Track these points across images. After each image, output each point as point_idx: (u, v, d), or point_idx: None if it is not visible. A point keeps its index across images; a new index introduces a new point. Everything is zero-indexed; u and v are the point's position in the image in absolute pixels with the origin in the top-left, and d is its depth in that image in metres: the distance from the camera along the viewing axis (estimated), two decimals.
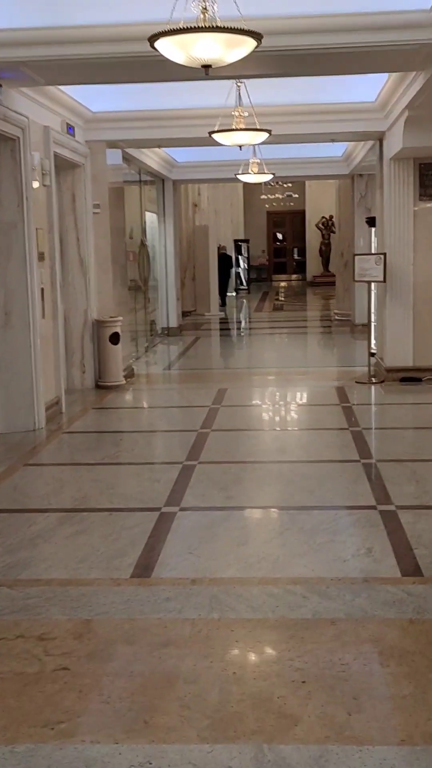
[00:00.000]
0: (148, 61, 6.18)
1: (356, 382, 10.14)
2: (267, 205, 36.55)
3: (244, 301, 26.86)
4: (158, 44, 4.74)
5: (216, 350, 14.89)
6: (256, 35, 4.69)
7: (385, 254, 9.95)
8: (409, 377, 10.07)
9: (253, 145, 13.46)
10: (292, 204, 36.28)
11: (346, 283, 18.68)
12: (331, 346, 14.63)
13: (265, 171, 13.45)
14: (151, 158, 13.70)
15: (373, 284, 10.64)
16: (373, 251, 11.46)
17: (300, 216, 35.74)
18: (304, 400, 9.54)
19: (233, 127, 8.54)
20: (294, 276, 37.04)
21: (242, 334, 17.33)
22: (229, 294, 28.09)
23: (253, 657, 3.43)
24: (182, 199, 20.94)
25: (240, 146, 8.84)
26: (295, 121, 9.95)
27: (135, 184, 13.83)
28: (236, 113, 8.58)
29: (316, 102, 9.79)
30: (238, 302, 26.25)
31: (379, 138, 10.49)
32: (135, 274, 13.60)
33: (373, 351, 11.32)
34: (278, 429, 7.86)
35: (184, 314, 19.58)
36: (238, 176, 13.56)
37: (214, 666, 3.34)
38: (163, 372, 11.85)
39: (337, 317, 18.76)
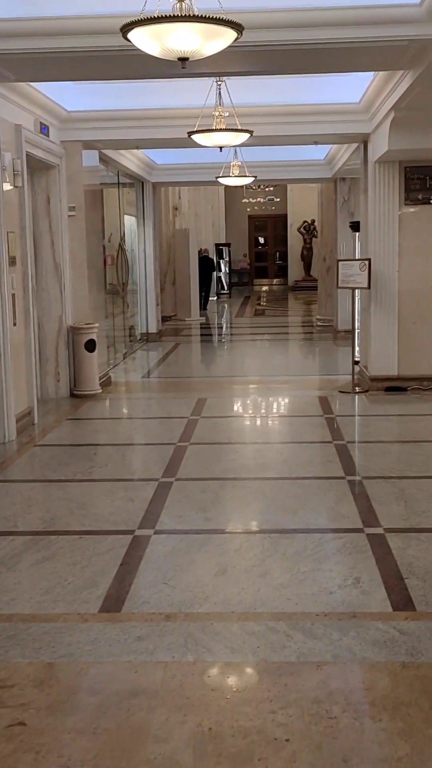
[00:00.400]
0: (123, 56, 5.86)
1: (340, 391, 9.84)
2: (248, 209, 36.31)
3: (226, 305, 26.55)
4: (131, 35, 4.42)
5: (196, 357, 14.56)
6: (236, 26, 4.38)
7: (369, 260, 9.67)
8: (394, 387, 9.78)
9: (234, 147, 13.18)
10: (273, 208, 36.08)
11: (328, 289, 18.43)
12: (313, 353, 14.34)
13: (247, 174, 13.16)
14: (130, 160, 13.37)
15: (356, 291, 10.34)
16: (357, 257, 11.17)
17: (282, 220, 35.52)
18: (286, 411, 9.23)
19: (213, 127, 8.22)
20: (275, 280, 36.78)
21: (223, 340, 17.01)
22: (211, 298, 27.82)
23: (231, 709, 3.10)
24: (162, 202, 20.64)
25: (220, 147, 8.52)
26: (277, 122, 9.66)
27: (113, 187, 13.49)
28: (216, 113, 8.27)
29: (299, 103, 9.50)
30: (219, 307, 25.93)
31: (364, 140, 10.21)
32: (113, 278, 13.25)
33: (356, 359, 11.03)
34: (259, 442, 7.53)
35: (164, 319, 19.26)
36: (219, 179, 13.25)
37: (188, 720, 3.00)
38: (141, 380, 11.50)
39: (319, 323, 18.49)
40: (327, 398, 9.42)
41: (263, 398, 9.77)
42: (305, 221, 32.95)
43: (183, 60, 4.53)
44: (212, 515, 5.40)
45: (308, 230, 33.08)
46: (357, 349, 11.12)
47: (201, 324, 19.82)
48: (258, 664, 3.42)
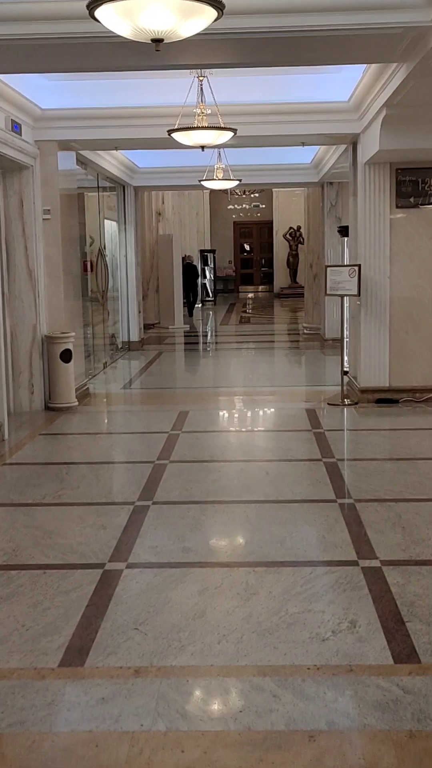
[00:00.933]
0: (92, 44, 5.39)
1: (329, 403, 9.38)
2: (234, 216, 35.90)
3: (210, 312, 26.08)
4: (99, 13, 3.94)
5: (179, 367, 14.06)
6: (217, 3, 3.91)
7: (359, 266, 9.22)
8: (385, 399, 9.33)
9: (218, 149, 12.75)
10: (259, 215, 35.69)
11: (315, 296, 18.02)
12: (300, 363, 13.88)
13: (231, 177, 12.72)
14: (110, 163, 12.89)
15: (345, 298, 9.89)
16: (345, 263, 10.73)
17: (267, 226, 35.15)
18: (273, 425, 8.74)
19: (195, 125, 7.76)
20: (261, 287, 36.38)
21: (207, 348, 16.54)
22: (195, 305, 27.35)
23: None
24: (145, 207, 20.17)
25: (202, 147, 8.05)
26: (262, 121, 9.20)
27: (93, 191, 13.00)
28: (198, 110, 7.81)
29: (285, 101, 9.06)
30: (204, 314, 25.45)
31: (353, 141, 9.78)
32: (93, 285, 12.77)
33: (345, 369, 10.58)
34: (244, 460, 7.04)
35: (147, 327, 18.78)
36: (202, 182, 12.82)
37: None
38: (121, 391, 10.99)
39: (306, 331, 18.06)
40: (315, 411, 8.95)
41: (248, 411, 9.29)
42: (291, 228, 32.56)
43: (157, 41, 4.05)
44: (191, 545, 4.91)
45: (294, 237, 32.69)
46: (346, 358, 10.68)
47: (185, 332, 19.34)
48: (240, 734, 2.94)
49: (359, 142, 9.44)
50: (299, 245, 32.40)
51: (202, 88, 7.83)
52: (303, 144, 10.24)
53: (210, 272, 29.84)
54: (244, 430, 8.34)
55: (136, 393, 10.91)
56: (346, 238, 10.66)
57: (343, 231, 10.64)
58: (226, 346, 16.55)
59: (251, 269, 37.21)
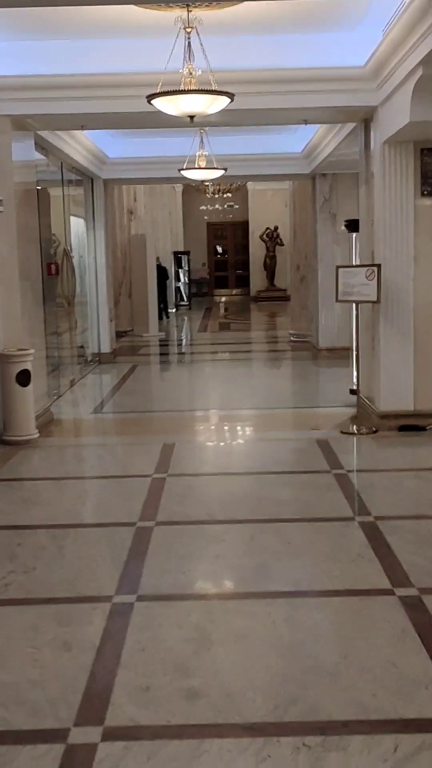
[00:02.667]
0: None
1: (342, 431, 7.80)
2: (206, 217, 34.32)
3: (186, 318, 24.45)
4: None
5: (158, 383, 12.38)
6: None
7: (378, 266, 7.63)
8: (410, 425, 7.76)
9: (201, 136, 11.14)
10: (231, 216, 34.14)
11: (302, 300, 16.48)
12: (295, 377, 12.22)
13: (216, 166, 11.11)
14: (76, 150, 11.21)
15: (355, 305, 8.32)
16: (354, 263, 9.14)
17: (242, 227, 33.63)
18: (281, 464, 6.98)
19: (182, 88, 6.11)
20: (236, 291, 34.83)
21: (187, 360, 14.84)
22: (170, 310, 25.74)
23: None
24: (116, 204, 18.53)
25: (191, 117, 6.39)
26: (257, 92, 7.55)
27: (56, 183, 11.31)
28: (186, 70, 6.17)
29: (288, 66, 7.47)
30: (178, 320, 23.81)
31: (364, 118, 8.21)
32: (58, 290, 11.08)
33: (355, 388, 9.02)
34: (253, 520, 5.37)
35: (119, 335, 17.10)
36: (183, 172, 11.20)
37: None
38: (91, 416, 9.28)
39: (293, 338, 16.50)
40: (328, 442, 7.35)
41: (247, 443, 7.66)
42: (268, 228, 31.04)
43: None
44: (198, 683, 3.26)
45: (271, 238, 31.20)
46: (355, 375, 9.12)
47: (160, 340, 17.68)
48: None
49: (375, 118, 7.85)
50: (277, 246, 30.99)
51: (190, 46, 6.19)
52: (305, 122, 8.65)
53: (185, 275, 28.20)
54: (246, 472, 6.66)
55: (110, 419, 9.20)
56: (354, 235, 9.06)
57: (351, 226, 9.05)
58: (208, 357, 14.90)
59: (226, 272, 35.68)
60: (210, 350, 16.14)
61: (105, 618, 3.86)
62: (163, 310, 21.40)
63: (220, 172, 11.22)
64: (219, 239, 35.59)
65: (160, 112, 6.96)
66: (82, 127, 8.67)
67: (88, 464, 7.10)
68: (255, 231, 31.46)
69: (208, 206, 33.44)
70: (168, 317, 21.20)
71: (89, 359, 13.45)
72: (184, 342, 18.39)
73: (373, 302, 7.69)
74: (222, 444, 7.60)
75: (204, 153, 10.94)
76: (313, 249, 14.53)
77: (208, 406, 10.01)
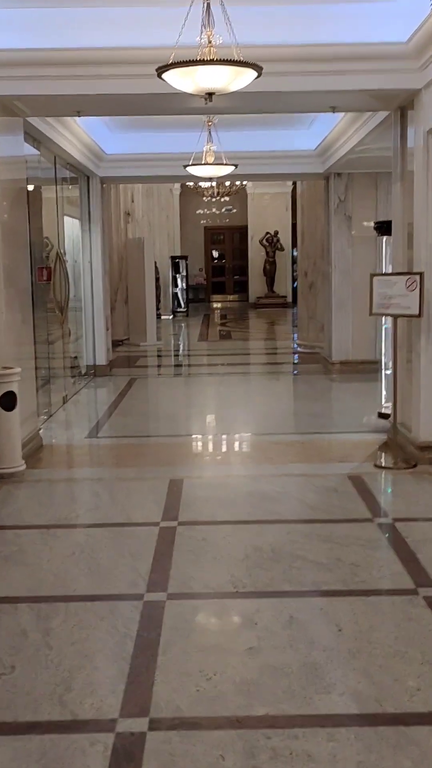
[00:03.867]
0: None
1: (376, 466, 6.75)
2: (203, 221, 33.30)
3: (183, 325, 23.38)
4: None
5: (158, 401, 11.28)
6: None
7: (421, 275, 6.58)
8: None
9: (209, 129, 10.10)
10: (228, 220, 33.12)
11: (311, 309, 15.48)
12: (310, 395, 11.05)
13: (225, 162, 10.07)
14: (71, 143, 10.15)
15: (385, 318, 7.29)
16: (385, 270, 8.08)
17: (239, 232, 32.63)
18: (313, 510, 5.68)
19: (199, 58, 5.04)
20: (234, 297, 33.82)
21: (188, 373, 13.73)
22: (165, 317, 24.70)
23: None
24: (113, 205, 17.48)
25: (209, 95, 5.31)
26: (280, 72, 6.48)
27: (49, 181, 10.25)
28: (205, 37, 5.10)
29: (317, 42, 6.42)
30: (176, 327, 22.75)
31: (401, 105, 7.18)
32: (50, 297, 10.02)
33: (385, 412, 7.99)
34: (289, 594, 4.27)
35: (115, 344, 16.04)
36: (189, 168, 10.14)
37: None
38: (85, 442, 8.17)
39: (301, 349, 15.47)
40: (362, 479, 6.31)
41: (267, 479, 6.54)
42: (268, 233, 30.03)
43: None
44: None
45: (271, 243, 30.17)
46: (384, 396, 8.10)
47: (158, 350, 16.61)
48: None
49: (417, 104, 6.80)
50: (276, 251, 29.99)
51: (209, 6, 5.13)
52: (333, 110, 7.58)
53: (182, 281, 27.15)
54: (271, 519, 5.55)
55: (107, 445, 8.09)
56: (384, 239, 8.01)
57: (382, 228, 8.00)
58: (211, 370, 13.81)
59: (223, 277, 34.67)
60: (212, 362, 15.06)
61: (106, 759, 2.79)
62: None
63: (229, 168, 10.17)
64: (216, 244, 34.61)
65: (169, 95, 5.95)
66: (78, 113, 7.58)
67: (83, 506, 5.99)
68: (254, 235, 30.43)
69: (206, 210, 32.43)
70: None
71: (83, 372, 12.37)
72: (183, 352, 17.30)
73: (414, 316, 6.63)
74: (238, 480, 6.52)
75: (212, 147, 9.89)
76: (325, 254, 13.50)
77: (217, 430, 8.92)
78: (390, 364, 7.85)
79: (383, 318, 7.83)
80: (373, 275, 7.05)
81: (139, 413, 9.70)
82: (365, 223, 12.33)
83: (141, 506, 5.78)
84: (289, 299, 29.71)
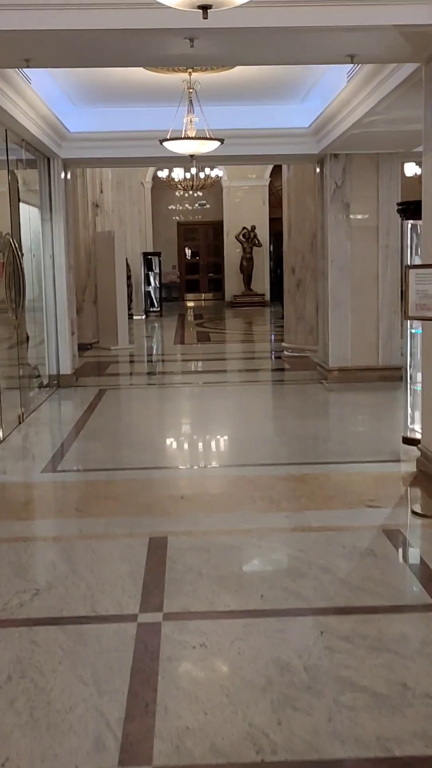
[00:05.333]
0: None
1: (413, 512, 5.24)
2: (176, 217, 31.75)
3: (157, 326, 21.79)
4: None
5: (132, 418, 9.61)
6: None
7: None
8: None
9: (189, 95, 8.54)
10: (199, 216, 31.58)
11: (299, 309, 14.03)
12: (311, 411, 9.38)
13: (210, 136, 8.50)
14: (27, 116, 8.56)
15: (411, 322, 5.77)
16: (410, 263, 6.53)
17: (214, 227, 31.14)
18: (346, 589, 4.05)
19: None
20: (208, 295, 32.31)
21: (166, 382, 12.10)
22: (137, 317, 23.13)
23: None
24: (79, 196, 15.87)
25: (204, 12, 3.74)
26: (291, 2, 4.98)
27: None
28: None
29: None
30: (149, 328, 21.15)
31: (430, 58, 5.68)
32: (2, 295, 8.43)
33: (411, 436, 6.50)
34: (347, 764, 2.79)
35: (83, 348, 14.46)
36: (167, 144, 8.57)
37: None
38: (42, 477, 6.56)
39: (288, 353, 13.98)
40: (402, 535, 4.81)
41: (277, 536, 4.98)
42: (244, 228, 28.56)
43: None
44: None
45: (248, 238, 28.71)
46: (410, 416, 6.60)
47: (131, 355, 15.02)
48: None
49: None
50: (254, 248, 28.53)
51: None
52: (352, 59, 6.02)
53: (155, 279, 25.53)
54: (291, 608, 3.91)
55: (69, 484, 6.43)
56: (410, 224, 6.48)
57: (409, 210, 6.46)
58: (191, 379, 12.22)
59: (197, 275, 33.14)
60: (192, 369, 13.48)
61: None
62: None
63: (214, 144, 8.58)
64: (190, 240, 33.07)
65: (144, 32, 4.42)
66: (27, 63, 5.96)
67: (30, 585, 4.33)
68: (230, 231, 28.92)
69: (178, 205, 30.86)
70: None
71: (45, 383, 10.75)
72: (158, 358, 15.70)
73: None
74: (240, 539, 4.94)
75: (194, 118, 8.32)
76: (318, 248, 11.99)
77: (205, 458, 7.32)
78: (420, 378, 6.35)
79: (409, 321, 6.31)
80: (409, 267, 5.49)
81: (110, 436, 8.07)
82: (361, 217, 10.87)
83: (111, 584, 4.19)
84: (267, 297, 28.31)
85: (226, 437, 8.06)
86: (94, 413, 9.13)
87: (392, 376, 10.80)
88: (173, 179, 23.77)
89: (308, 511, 5.36)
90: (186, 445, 7.86)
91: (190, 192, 26.64)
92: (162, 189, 27.27)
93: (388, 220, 10.85)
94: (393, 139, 9.86)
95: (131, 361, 14.39)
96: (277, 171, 27.82)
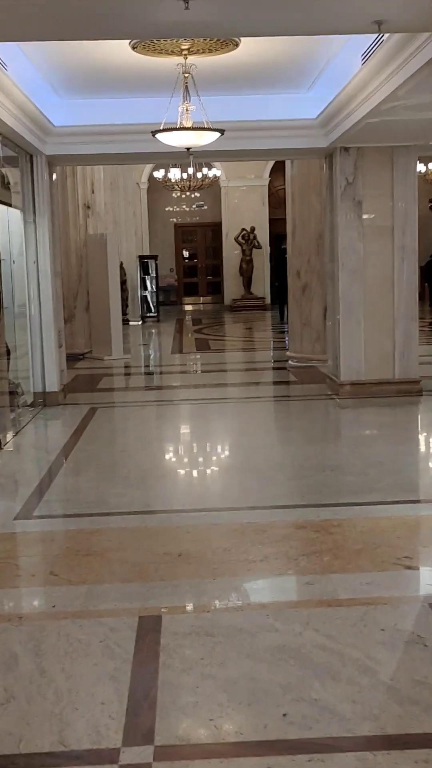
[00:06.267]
0: None
1: None
2: (173, 219, 30.83)
3: (154, 332, 20.86)
4: None
5: (124, 445, 8.46)
6: None
7: None
8: None
9: (185, 81, 7.59)
10: (197, 218, 30.65)
11: (305, 315, 13.11)
12: (323, 434, 8.34)
13: (208, 126, 7.55)
14: (4, 108, 7.60)
15: None
16: None
17: (212, 229, 30.24)
18: (404, 708, 2.99)
19: None
20: (206, 299, 31.41)
21: (163, 399, 11.12)
22: (133, 323, 22.22)
23: None
24: (69, 196, 14.95)
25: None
26: None
27: None
28: None
29: None
30: (145, 335, 20.22)
31: None
32: None
33: None
34: None
35: (74, 358, 13.57)
36: (160, 136, 7.61)
37: None
38: (14, 525, 5.58)
39: (294, 362, 13.06)
40: None
41: (301, 615, 4.02)
42: (244, 229, 27.65)
43: None
44: None
45: (247, 240, 27.79)
46: None
47: (126, 365, 14.06)
48: None
49: None
50: (254, 249, 27.61)
51: None
52: (378, 27, 5.05)
53: (152, 283, 24.57)
54: (331, 738, 2.92)
55: (45, 536, 5.40)
56: None
57: None
58: (190, 395, 11.23)
59: (196, 278, 32.22)
60: (191, 383, 12.51)
61: None
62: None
63: (213, 135, 7.60)
64: (188, 243, 32.16)
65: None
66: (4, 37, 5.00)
67: None
68: (229, 232, 27.99)
69: (176, 207, 29.92)
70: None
71: (28, 401, 9.79)
72: (155, 369, 14.74)
73: None
74: (252, 619, 3.96)
75: (190, 107, 7.36)
76: (327, 250, 11.04)
77: (207, 500, 6.25)
78: None
79: None
80: None
81: (98, 468, 7.08)
82: (375, 215, 9.92)
83: (88, 693, 3.23)
84: (268, 301, 27.40)
85: (231, 470, 7.05)
86: (83, 438, 8.16)
87: (410, 390, 9.88)
88: (170, 179, 22.85)
89: (333, 574, 4.39)
90: (185, 481, 6.86)
91: (188, 193, 25.75)
92: (158, 190, 26.38)
93: (404, 219, 9.91)
94: (410, 130, 8.94)
95: (126, 374, 13.44)
96: (276, 170, 26.89)
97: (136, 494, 6.16)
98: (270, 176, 27.72)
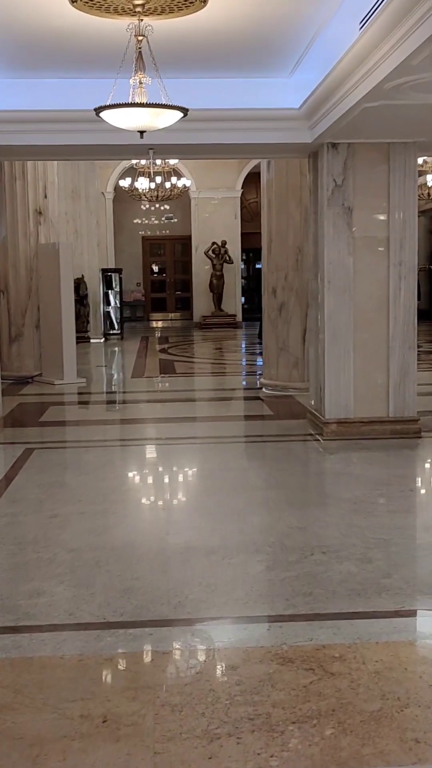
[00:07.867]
0: None
1: None
2: (141, 231, 29.35)
3: (116, 351, 19.24)
4: None
5: (55, 513, 6.31)
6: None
7: None
8: None
9: (139, 43, 5.97)
10: (167, 231, 29.19)
11: (281, 338, 11.58)
12: (307, 494, 6.65)
13: (167, 103, 5.93)
14: None
15: None
16: None
17: (182, 242, 28.88)
18: None
19: None
20: (175, 315, 30.01)
21: (113, 439, 9.34)
22: (95, 340, 20.61)
23: None
24: (18, 201, 13.32)
25: None
26: None
27: None
28: None
29: None
30: (107, 355, 18.57)
31: None
32: None
33: None
34: None
35: (22, 382, 11.93)
36: (105, 115, 5.97)
37: None
38: None
39: (268, 391, 11.53)
40: None
41: None
42: (214, 243, 26.20)
43: None
44: None
45: (218, 254, 26.33)
46: None
47: (79, 392, 12.40)
48: None
49: None
50: (224, 264, 26.17)
51: None
52: None
53: (116, 298, 22.95)
54: None
55: None
56: None
57: None
58: (148, 432, 9.55)
59: (164, 293, 30.79)
60: (151, 415, 10.84)
61: None
62: None
63: (173, 115, 5.94)
64: (157, 256, 30.76)
65: None
66: None
67: None
68: (199, 246, 26.48)
69: (144, 219, 28.38)
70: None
71: None
72: (112, 397, 13.08)
73: None
74: None
75: (144, 79, 5.74)
76: (308, 264, 9.50)
77: (153, 608, 4.41)
78: None
79: None
80: None
81: (15, 545, 5.38)
82: (367, 225, 8.40)
83: None
84: (239, 318, 26.00)
85: (190, 553, 5.23)
86: (5, 495, 6.47)
87: (407, 430, 8.36)
88: (137, 189, 21.30)
89: (343, 766, 2.75)
90: (126, 570, 4.99)
91: (157, 205, 24.22)
92: (126, 201, 24.92)
93: (403, 230, 8.38)
94: (412, 122, 7.47)
95: (78, 402, 11.77)
96: (249, 182, 25.54)
97: (58, 593, 4.46)
98: (242, 188, 26.38)
